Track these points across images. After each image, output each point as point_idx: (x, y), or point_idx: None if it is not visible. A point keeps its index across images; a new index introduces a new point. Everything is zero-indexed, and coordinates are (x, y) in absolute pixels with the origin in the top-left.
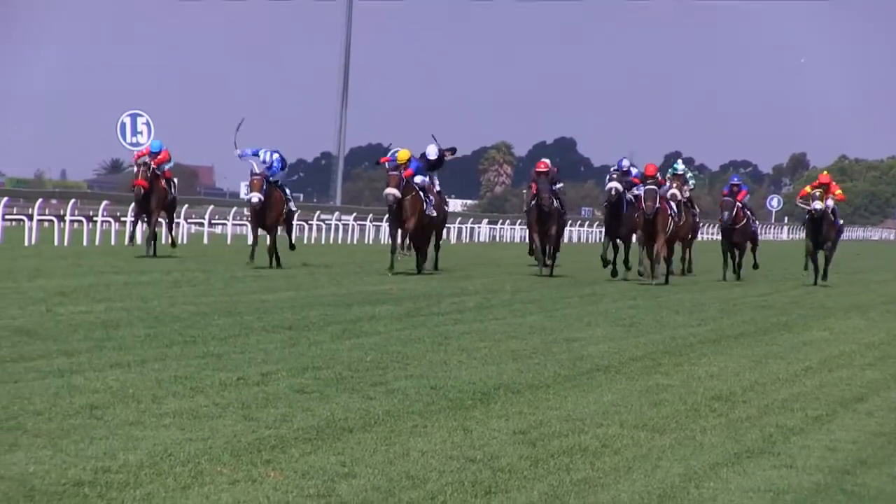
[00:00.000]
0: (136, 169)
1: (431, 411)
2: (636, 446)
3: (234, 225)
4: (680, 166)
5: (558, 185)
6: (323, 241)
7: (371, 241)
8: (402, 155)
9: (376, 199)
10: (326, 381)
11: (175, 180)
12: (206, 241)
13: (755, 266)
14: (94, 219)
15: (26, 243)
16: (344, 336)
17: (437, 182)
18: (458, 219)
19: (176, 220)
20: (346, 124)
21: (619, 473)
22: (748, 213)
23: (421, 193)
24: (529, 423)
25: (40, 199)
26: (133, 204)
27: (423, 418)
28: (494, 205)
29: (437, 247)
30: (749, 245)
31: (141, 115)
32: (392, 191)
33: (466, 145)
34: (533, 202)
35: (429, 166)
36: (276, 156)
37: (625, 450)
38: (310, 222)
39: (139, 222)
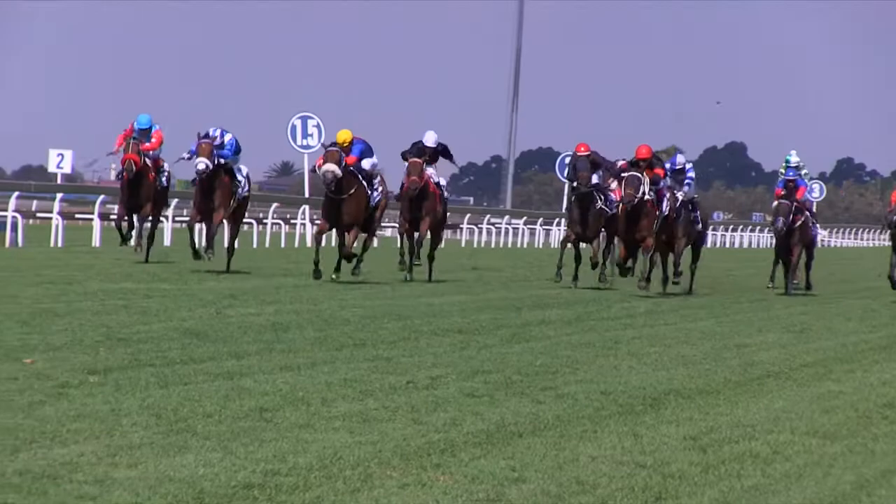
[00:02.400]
0: (123, 146)
1: (601, 416)
2: (807, 453)
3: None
4: (793, 158)
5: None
6: (493, 245)
7: (541, 245)
8: (343, 134)
9: (546, 203)
10: (496, 385)
11: (167, 169)
12: (375, 243)
13: (807, 286)
14: (264, 221)
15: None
16: (514, 340)
17: (441, 179)
18: None
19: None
20: (516, 128)
21: (790, 480)
22: (806, 214)
23: (365, 184)
24: (700, 428)
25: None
26: (120, 193)
27: (593, 423)
28: None
29: (431, 256)
30: (803, 254)
31: (311, 118)
32: (331, 167)
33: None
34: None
35: (426, 156)
36: (228, 136)
37: (796, 456)
38: (479, 226)
39: (128, 217)
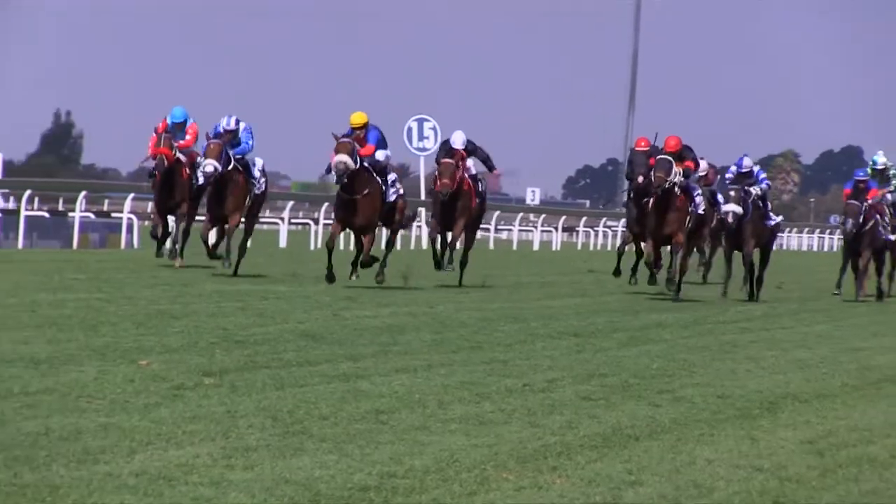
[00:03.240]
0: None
1: (718, 420)
2: None
3: (519, 231)
4: (881, 159)
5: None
6: (609, 248)
7: None
8: (357, 117)
9: None
10: (612, 389)
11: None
12: (491, 246)
13: (879, 295)
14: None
15: (311, 247)
16: (630, 343)
17: (472, 165)
18: None
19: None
20: (633, 130)
21: None
22: (876, 217)
23: (379, 180)
24: (817, 432)
25: (326, 203)
26: (154, 194)
27: (710, 427)
28: (781, 213)
29: (464, 261)
30: (872, 259)
31: (427, 120)
32: (343, 158)
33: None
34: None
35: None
36: (243, 125)
37: None
38: (595, 228)
39: (162, 221)
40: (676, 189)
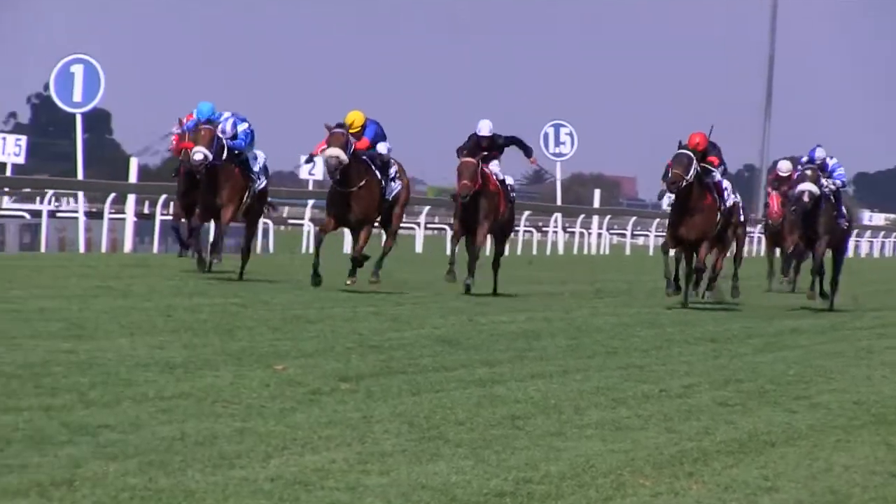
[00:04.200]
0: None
1: (854, 426)
2: None
3: (656, 236)
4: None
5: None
6: (753, 254)
7: None
8: (352, 116)
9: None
10: (749, 394)
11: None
12: (628, 251)
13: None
14: (516, 228)
15: (447, 252)
16: (766, 349)
17: (499, 170)
18: (882, 233)
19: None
20: (769, 136)
21: None
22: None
23: (378, 174)
24: None
25: None
26: (178, 187)
27: (846, 433)
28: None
29: (495, 265)
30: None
31: (564, 126)
32: (335, 152)
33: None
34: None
35: (479, 151)
36: (244, 126)
37: None
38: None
39: (190, 222)
40: (701, 186)
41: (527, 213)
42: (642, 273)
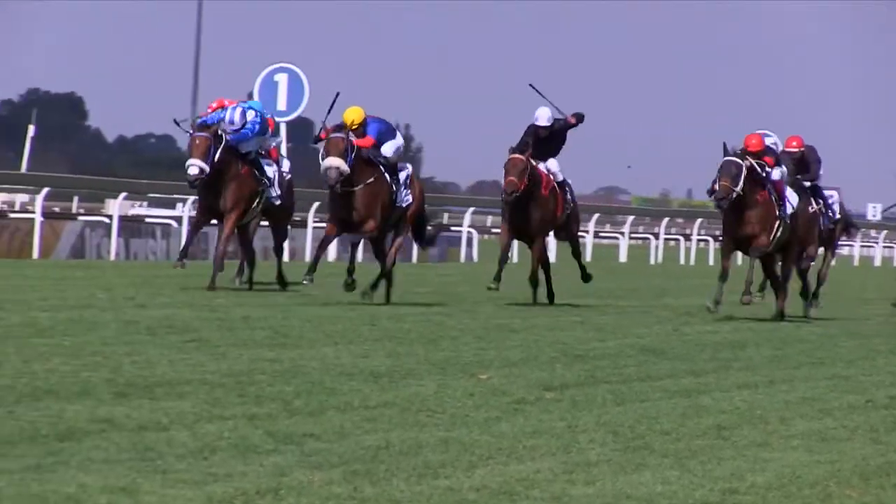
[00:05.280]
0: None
1: None
2: None
3: (861, 246)
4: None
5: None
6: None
7: None
8: (351, 114)
9: None
10: None
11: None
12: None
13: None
14: (690, 236)
15: (651, 262)
16: None
17: (558, 170)
18: None
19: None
20: None
21: None
22: None
23: (387, 176)
24: None
25: (666, 219)
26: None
27: None
28: None
29: (547, 277)
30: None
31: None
32: (335, 163)
33: None
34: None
35: (541, 144)
36: (252, 114)
37: None
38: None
39: (197, 229)
40: (754, 182)
41: (699, 220)
42: (846, 284)
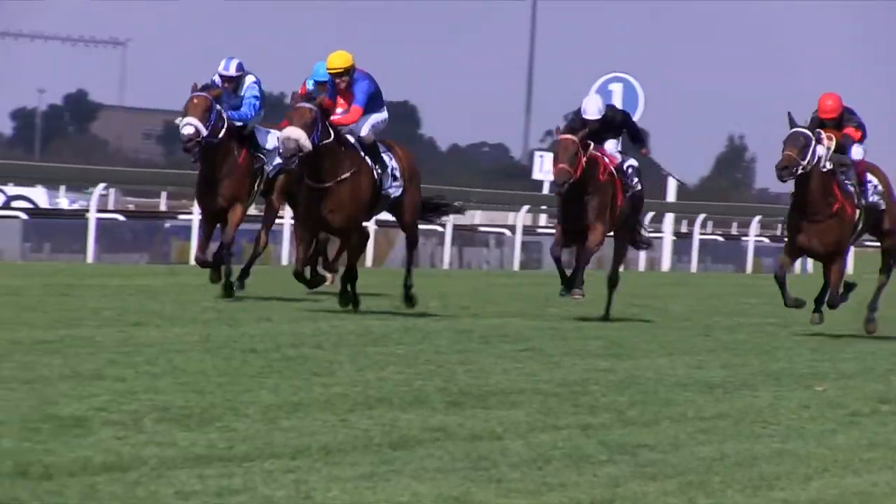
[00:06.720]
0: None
1: None
2: None
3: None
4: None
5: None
6: None
7: None
8: (337, 59)
9: None
10: None
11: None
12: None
13: None
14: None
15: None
16: None
17: (617, 151)
18: None
19: None
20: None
21: None
22: None
23: (367, 159)
24: None
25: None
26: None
27: None
28: None
29: (613, 279)
30: None
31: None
32: (294, 133)
33: None
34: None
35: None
36: (251, 79)
37: None
38: None
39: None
40: (829, 178)
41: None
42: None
